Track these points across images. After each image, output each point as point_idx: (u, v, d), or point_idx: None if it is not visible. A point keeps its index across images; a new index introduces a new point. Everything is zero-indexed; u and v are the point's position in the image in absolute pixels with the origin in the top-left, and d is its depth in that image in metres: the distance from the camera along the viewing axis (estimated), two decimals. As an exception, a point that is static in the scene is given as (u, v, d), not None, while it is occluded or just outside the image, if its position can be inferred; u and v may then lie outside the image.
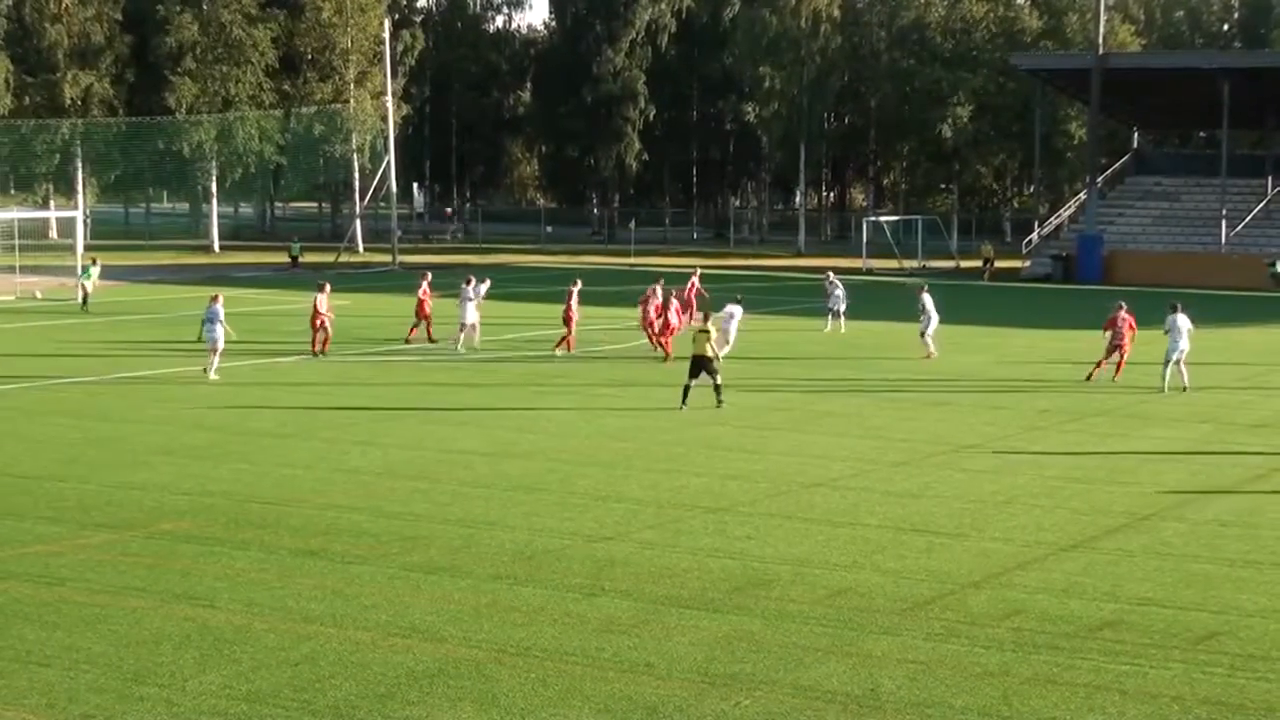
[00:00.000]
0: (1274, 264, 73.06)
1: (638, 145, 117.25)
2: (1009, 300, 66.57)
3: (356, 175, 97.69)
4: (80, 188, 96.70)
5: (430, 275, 47.19)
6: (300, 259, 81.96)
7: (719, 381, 32.41)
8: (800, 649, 15.86)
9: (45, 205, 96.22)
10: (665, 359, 40.29)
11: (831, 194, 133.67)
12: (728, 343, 40.67)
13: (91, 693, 14.33)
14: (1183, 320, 36.13)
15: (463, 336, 43.00)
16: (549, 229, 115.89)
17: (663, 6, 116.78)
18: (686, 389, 32.34)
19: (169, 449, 27.09)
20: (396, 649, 15.69)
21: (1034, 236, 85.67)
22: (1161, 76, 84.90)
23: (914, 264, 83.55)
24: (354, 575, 18.58)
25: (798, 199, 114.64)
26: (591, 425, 30.32)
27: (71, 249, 65.52)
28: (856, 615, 17.07)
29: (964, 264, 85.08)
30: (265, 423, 30.25)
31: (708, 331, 32.89)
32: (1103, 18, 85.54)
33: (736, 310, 41.72)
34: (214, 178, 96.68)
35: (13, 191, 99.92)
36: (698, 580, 18.49)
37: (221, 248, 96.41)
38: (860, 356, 42.67)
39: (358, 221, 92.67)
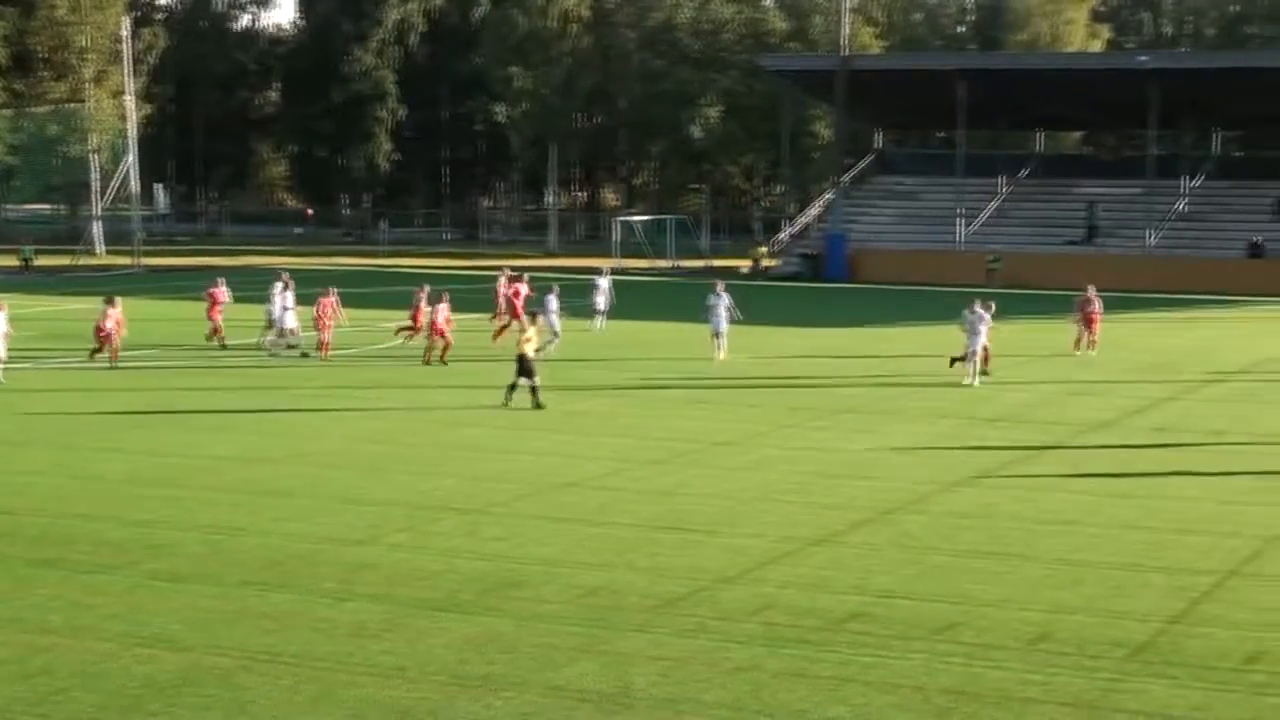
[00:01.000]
0: (993, 260, 75.30)
1: (388, 145, 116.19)
2: (761, 299, 67.43)
3: (95, 176, 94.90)
4: None
5: (223, 282, 45.71)
6: (33, 262, 79.38)
7: (537, 383, 32.46)
8: (552, 649, 15.84)
9: None
10: (428, 361, 40.08)
11: (583, 194, 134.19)
12: (556, 334, 42.23)
13: None
14: (977, 316, 37.28)
15: (300, 338, 42.38)
16: (300, 230, 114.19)
17: (412, 6, 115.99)
18: (513, 386, 32.43)
19: (-103, 460, 25.99)
20: (139, 659, 15.25)
21: (783, 235, 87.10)
22: (902, 78, 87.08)
23: (666, 263, 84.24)
24: (94, 585, 18.02)
25: (549, 198, 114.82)
26: (343, 428, 29.93)
27: None
28: (609, 614, 17.11)
29: (717, 263, 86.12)
30: None
31: (527, 332, 33.09)
32: (846, 20, 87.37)
33: (553, 300, 43.33)
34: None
35: None
36: (449, 582, 18.35)
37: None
38: (617, 356, 42.84)
39: (95, 223, 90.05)
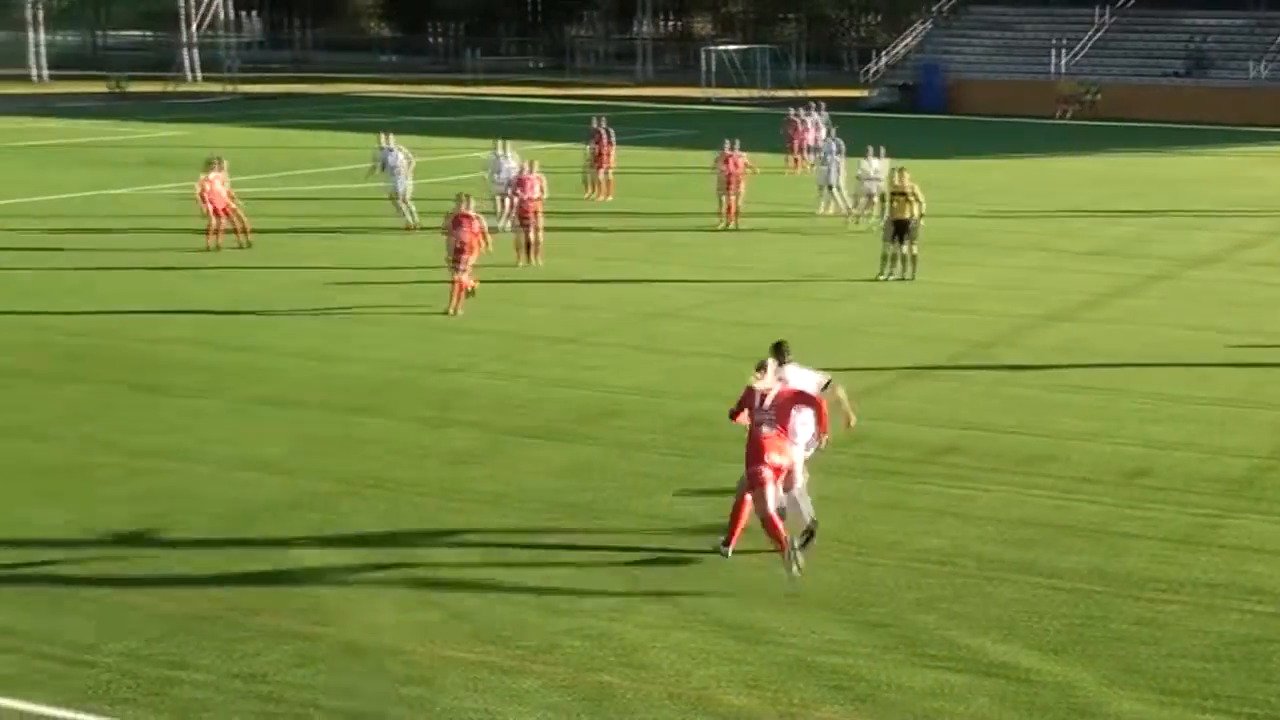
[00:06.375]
0: (1091, 92, 73.71)
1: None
2: (856, 130, 66.59)
3: (184, 2, 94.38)
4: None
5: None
6: (126, 88, 79.55)
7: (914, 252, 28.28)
8: (647, 477, 15.90)
9: None
10: None
11: (674, 23, 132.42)
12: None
13: (-75, 533, 13.98)
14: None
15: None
16: (391, 58, 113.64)
17: None
18: (887, 256, 28.55)
19: (-1, 284, 26.38)
20: (241, 483, 15.47)
21: (879, 65, 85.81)
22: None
23: (758, 93, 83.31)
24: (194, 409, 18.25)
25: (638, 27, 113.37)
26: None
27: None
28: (703, 444, 17.12)
29: (814, 93, 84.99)
30: (96, 258, 29.49)
31: (904, 194, 28.17)
32: None
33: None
34: (37, 5, 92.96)
35: None
36: (545, 410, 18.43)
37: (47, 77, 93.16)
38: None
39: (186, 50, 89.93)
